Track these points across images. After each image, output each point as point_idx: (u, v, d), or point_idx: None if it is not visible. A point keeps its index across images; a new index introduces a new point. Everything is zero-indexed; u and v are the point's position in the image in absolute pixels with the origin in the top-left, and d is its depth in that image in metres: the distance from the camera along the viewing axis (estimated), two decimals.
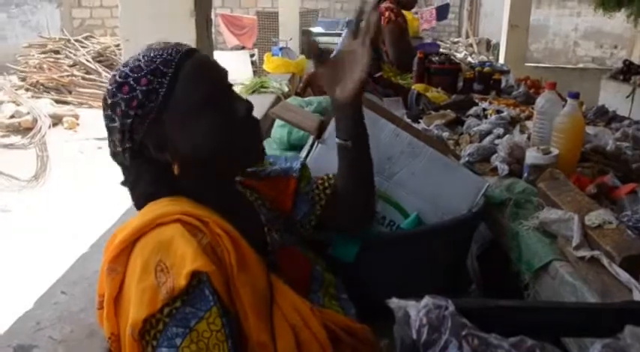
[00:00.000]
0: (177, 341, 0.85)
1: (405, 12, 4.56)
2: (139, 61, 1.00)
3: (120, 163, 1.05)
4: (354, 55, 1.18)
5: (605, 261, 1.26)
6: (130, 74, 0.99)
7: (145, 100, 0.97)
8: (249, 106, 1.07)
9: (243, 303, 0.94)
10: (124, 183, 1.07)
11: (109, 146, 1.04)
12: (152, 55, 1.00)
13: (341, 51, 1.23)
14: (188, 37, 1.74)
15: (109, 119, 1.01)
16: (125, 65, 1.01)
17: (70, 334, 1.09)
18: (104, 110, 1.02)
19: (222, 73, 1.08)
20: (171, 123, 0.99)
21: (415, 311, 0.67)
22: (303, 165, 1.30)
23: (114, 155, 1.04)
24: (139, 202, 1.05)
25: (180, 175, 1.01)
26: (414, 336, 0.66)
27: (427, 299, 0.68)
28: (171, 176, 1.02)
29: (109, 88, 1.01)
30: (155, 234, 0.93)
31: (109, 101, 1.00)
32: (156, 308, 0.86)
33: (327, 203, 1.29)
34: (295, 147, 1.97)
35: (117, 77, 1.00)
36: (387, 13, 4.00)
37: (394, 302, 0.70)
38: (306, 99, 2.67)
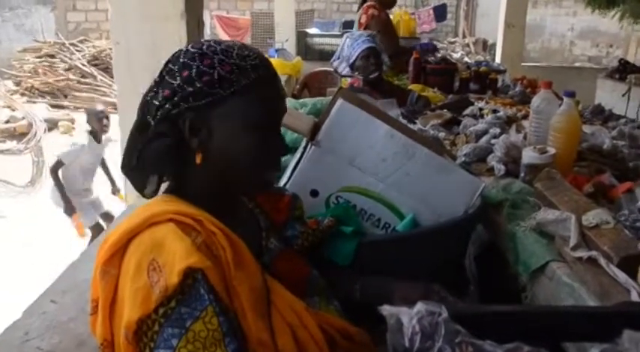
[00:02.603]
0: (173, 342, 0.83)
1: (401, 12, 4.59)
2: (233, 49, 0.99)
3: (141, 116, 1.01)
4: None
5: (602, 262, 1.24)
6: (219, 53, 0.98)
7: (216, 83, 0.96)
8: (286, 150, 1.08)
9: (242, 301, 0.92)
10: (130, 145, 1.02)
11: (148, 93, 1.00)
12: (246, 53, 0.99)
13: None
14: (179, 39, 1.72)
15: (170, 73, 0.98)
16: (217, 43, 1.00)
17: (58, 344, 1.08)
18: (172, 63, 0.99)
19: (284, 106, 1.07)
20: (218, 119, 0.98)
21: (408, 318, 0.65)
22: (295, 195, 1.30)
23: (145, 103, 1.00)
24: (142, 165, 1.00)
25: (196, 166, 0.99)
26: (407, 344, 0.64)
27: (420, 306, 0.66)
28: (181, 158, 0.99)
29: (190, 50, 0.99)
30: (148, 234, 0.91)
31: (183, 60, 0.98)
32: (150, 309, 0.84)
33: (311, 244, 1.29)
34: (289, 149, 1.95)
35: (204, 47, 0.99)
36: (369, 11, 4.07)
37: (386, 309, 0.68)
38: (301, 100, 2.66)
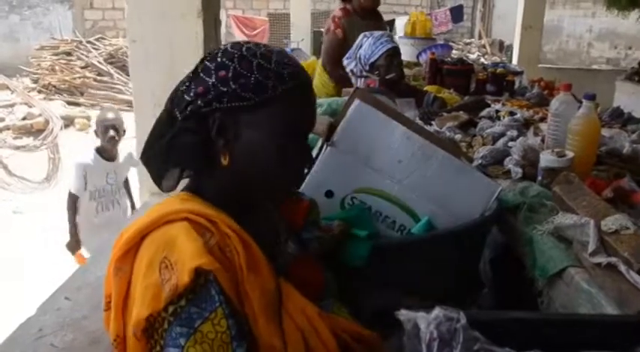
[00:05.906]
0: (181, 341, 0.83)
1: (417, 13, 4.51)
2: (272, 54, 0.97)
3: (169, 108, 0.99)
4: None
5: (622, 268, 1.22)
6: (259, 57, 0.96)
7: (252, 87, 0.94)
8: (309, 161, 1.09)
9: (253, 306, 0.92)
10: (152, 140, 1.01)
11: (180, 86, 0.99)
12: (285, 60, 0.98)
13: None
14: (195, 38, 1.72)
15: (205, 70, 0.96)
16: (257, 46, 0.98)
17: (72, 341, 1.08)
18: (208, 61, 0.97)
19: (312, 120, 1.06)
20: (247, 123, 0.96)
21: (425, 323, 0.64)
22: (313, 200, 1.28)
23: (176, 96, 0.98)
24: (165, 157, 0.99)
25: (219, 167, 0.98)
26: (424, 350, 0.63)
27: (438, 311, 0.65)
28: (204, 157, 0.98)
29: (230, 50, 0.97)
30: (162, 232, 0.91)
31: (221, 59, 0.96)
32: (160, 307, 0.84)
33: (327, 247, 1.29)
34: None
35: (243, 49, 0.97)
36: (330, 22, 3.77)
37: (403, 314, 0.66)
38: (317, 101, 2.65)
